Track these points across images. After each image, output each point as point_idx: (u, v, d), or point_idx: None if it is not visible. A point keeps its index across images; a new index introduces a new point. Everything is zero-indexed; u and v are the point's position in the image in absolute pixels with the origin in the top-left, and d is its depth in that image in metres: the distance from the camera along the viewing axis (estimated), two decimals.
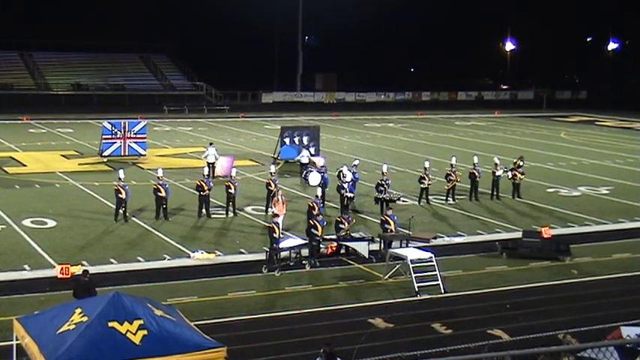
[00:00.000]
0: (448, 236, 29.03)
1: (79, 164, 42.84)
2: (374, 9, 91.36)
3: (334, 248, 26.29)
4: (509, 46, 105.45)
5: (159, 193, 30.46)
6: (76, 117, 65.16)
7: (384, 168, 33.61)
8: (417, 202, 34.20)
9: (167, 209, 30.59)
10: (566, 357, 13.30)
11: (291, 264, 24.72)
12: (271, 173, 32.98)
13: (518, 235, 27.96)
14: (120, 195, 29.88)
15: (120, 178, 30.54)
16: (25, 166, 42.00)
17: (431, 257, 23.21)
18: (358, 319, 20.47)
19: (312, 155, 42.96)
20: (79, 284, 19.81)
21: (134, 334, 13.75)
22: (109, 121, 45.80)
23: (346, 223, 26.39)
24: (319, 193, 30.03)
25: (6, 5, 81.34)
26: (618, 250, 27.70)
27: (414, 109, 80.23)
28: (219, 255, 25.98)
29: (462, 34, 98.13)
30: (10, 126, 59.55)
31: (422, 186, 34.38)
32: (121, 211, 30.02)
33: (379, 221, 27.67)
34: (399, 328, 20.00)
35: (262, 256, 25.07)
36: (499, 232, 29.86)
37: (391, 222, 26.49)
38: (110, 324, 13.81)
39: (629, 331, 15.43)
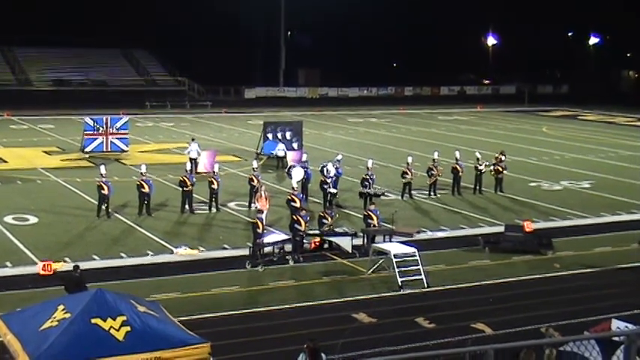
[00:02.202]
0: (431, 231, 29.12)
1: (61, 160, 42.66)
2: (357, 4, 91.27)
3: (317, 243, 26.33)
4: (491, 41, 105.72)
5: (142, 189, 30.38)
6: (57, 113, 64.84)
7: (369, 163, 33.65)
8: (399, 197, 34.28)
9: (150, 205, 30.52)
10: (548, 350, 13.38)
11: (275, 259, 24.73)
12: (254, 169, 32.99)
13: (501, 229, 28.08)
14: (102, 191, 29.78)
15: (102, 174, 30.43)
16: (6, 162, 41.76)
17: (414, 252, 23.28)
18: (342, 314, 20.50)
19: (293, 150, 42.98)
20: (70, 280, 19.78)
21: (117, 331, 13.72)
22: (91, 117, 45.64)
23: (329, 218, 26.43)
24: (295, 185, 30.12)
25: None
26: (600, 244, 27.87)
27: (397, 104, 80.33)
28: (202, 251, 25.96)
29: (444, 29, 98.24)
30: None
31: (404, 181, 34.46)
32: (103, 207, 29.92)
33: (362, 216, 27.72)
34: (382, 322, 20.05)
35: (246, 252, 25.06)
36: (482, 227, 29.98)
37: (374, 217, 26.54)
38: (93, 320, 13.76)
39: (618, 324, 15.50)
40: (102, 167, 31.41)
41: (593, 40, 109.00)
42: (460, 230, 29.56)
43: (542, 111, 78.47)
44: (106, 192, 29.77)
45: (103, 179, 30.10)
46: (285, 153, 41.70)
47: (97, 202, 30.30)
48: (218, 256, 25.56)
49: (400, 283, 22.53)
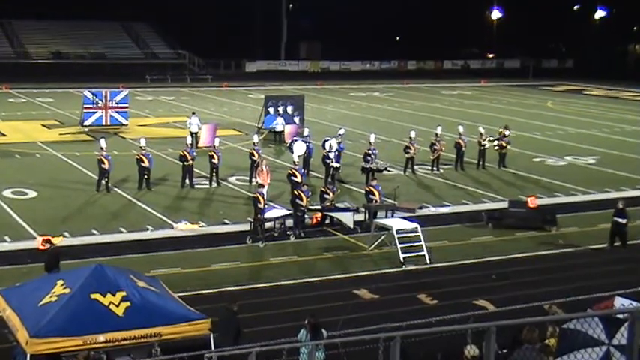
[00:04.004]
0: (434, 206, 29.10)
1: (60, 134, 42.61)
2: None
3: (319, 219, 26.32)
4: (495, 14, 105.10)
5: (142, 164, 30.35)
6: (56, 86, 64.71)
7: (372, 138, 33.55)
8: (402, 172, 34.24)
9: (150, 180, 30.51)
10: (551, 327, 13.39)
11: (276, 235, 24.74)
12: (254, 143, 32.96)
13: (504, 205, 28.07)
14: (103, 165, 29.75)
15: (102, 148, 30.40)
16: (4, 136, 41.72)
17: (416, 227, 23.28)
18: (343, 290, 20.52)
19: (295, 124, 42.89)
20: (50, 255, 19.81)
21: (117, 306, 13.73)
22: (90, 90, 45.51)
23: (331, 194, 26.40)
24: (296, 160, 30.09)
25: None
26: (604, 220, 27.76)
27: (400, 78, 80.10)
28: (202, 226, 25.97)
29: (447, 2, 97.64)
30: None
31: (407, 156, 34.41)
32: (103, 181, 29.90)
33: (364, 192, 27.69)
34: (384, 298, 20.09)
35: (246, 227, 25.06)
36: (485, 202, 29.97)
37: (376, 192, 26.52)
38: (92, 295, 13.77)
39: (622, 302, 15.48)
40: (102, 141, 31.36)
41: (599, 14, 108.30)
42: (463, 206, 29.54)
43: (546, 85, 78.23)
44: (106, 166, 29.74)
45: (104, 153, 30.06)
46: (284, 127, 41.63)
47: (96, 177, 30.30)
48: (218, 231, 25.57)
49: (402, 259, 22.55)
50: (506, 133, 36.73)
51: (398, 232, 22.98)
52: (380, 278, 21.62)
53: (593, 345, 9.14)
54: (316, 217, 26.36)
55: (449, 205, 29.46)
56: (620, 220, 24.64)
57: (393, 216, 25.81)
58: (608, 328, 9.17)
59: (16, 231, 24.74)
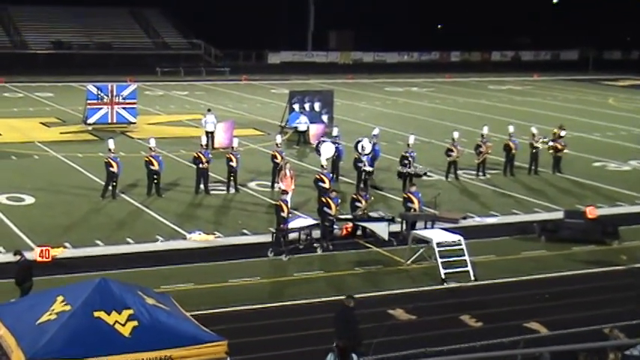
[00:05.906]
0: (479, 216, 29.05)
1: (61, 133, 42.94)
2: None
3: (349, 229, 26.32)
4: None
5: (151, 167, 30.50)
6: (57, 79, 65.26)
7: (411, 139, 33.48)
8: (444, 178, 34.20)
9: (160, 184, 30.65)
10: (612, 354, 13.32)
11: (301, 247, 24.77)
12: (277, 144, 33.02)
13: (560, 215, 27.95)
14: (111, 168, 29.89)
15: (110, 150, 30.56)
16: None
17: (459, 240, 23.21)
18: (376, 309, 20.51)
19: (322, 122, 42.92)
20: (22, 267, 19.87)
21: (123, 326, 13.81)
22: (95, 84, 45.80)
23: (363, 201, 26.38)
24: (324, 163, 30.06)
25: None
26: None
27: (442, 72, 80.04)
28: (218, 237, 26.06)
29: None
30: None
31: (449, 159, 34.34)
32: (110, 187, 30.00)
33: (401, 199, 27.68)
34: (422, 320, 20.06)
35: (268, 238, 25.12)
36: (537, 212, 29.86)
37: (415, 200, 26.48)
38: (96, 314, 13.85)
39: None
40: (110, 142, 31.51)
41: None
42: (513, 216, 29.46)
43: (608, 80, 77.84)
44: (115, 169, 29.86)
45: (112, 155, 30.21)
46: (308, 127, 41.61)
47: (101, 181, 30.50)
48: (237, 242, 25.66)
49: (443, 276, 22.50)
50: (562, 133, 36.58)
51: (439, 245, 22.94)
52: (418, 297, 21.60)
53: None
54: (346, 228, 26.37)
55: (496, 215, 29.38)
56: None
57: (433, 227, 25.76)
58: None
59: (12, 241, 24.88)
